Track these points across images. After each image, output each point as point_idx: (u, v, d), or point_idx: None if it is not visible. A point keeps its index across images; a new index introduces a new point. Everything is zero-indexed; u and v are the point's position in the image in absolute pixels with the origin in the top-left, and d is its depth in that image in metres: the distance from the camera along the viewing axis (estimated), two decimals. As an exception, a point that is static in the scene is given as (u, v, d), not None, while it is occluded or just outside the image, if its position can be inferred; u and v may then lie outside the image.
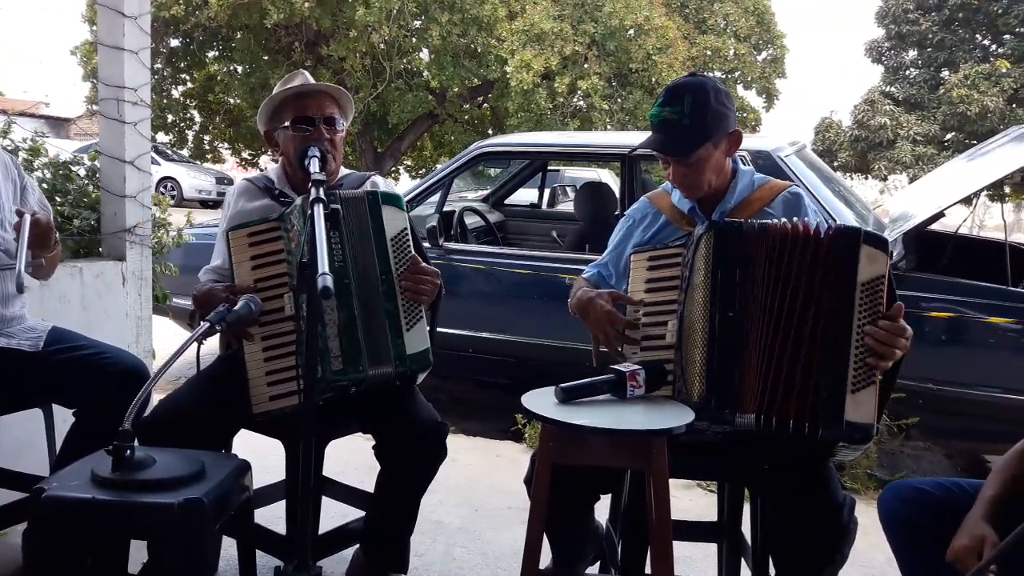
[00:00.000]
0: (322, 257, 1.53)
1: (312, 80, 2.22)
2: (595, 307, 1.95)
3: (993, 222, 20.28)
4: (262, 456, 2.24)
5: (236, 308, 1.82)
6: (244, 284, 1.99)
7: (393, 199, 2.06)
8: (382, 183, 2.28)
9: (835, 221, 3.48)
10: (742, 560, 2.20)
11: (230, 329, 1.85)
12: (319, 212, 1.63)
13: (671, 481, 1.71)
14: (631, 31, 15.15)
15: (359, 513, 2.32)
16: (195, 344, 1.73)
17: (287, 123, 2.16)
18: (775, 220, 1.88)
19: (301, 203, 1.91)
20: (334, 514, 2.39)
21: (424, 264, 2.06)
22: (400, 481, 2.13)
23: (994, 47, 22.40)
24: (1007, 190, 21.63)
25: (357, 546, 2.26)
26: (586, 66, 15.21)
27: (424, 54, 17.01)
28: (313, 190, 1.73)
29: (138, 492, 1.55)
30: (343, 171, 2.31)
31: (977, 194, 3.76)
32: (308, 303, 1.69)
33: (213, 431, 2.00)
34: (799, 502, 1.79)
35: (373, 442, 2.12)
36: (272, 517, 2.27)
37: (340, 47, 15.45)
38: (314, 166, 1.93)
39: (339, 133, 2.19)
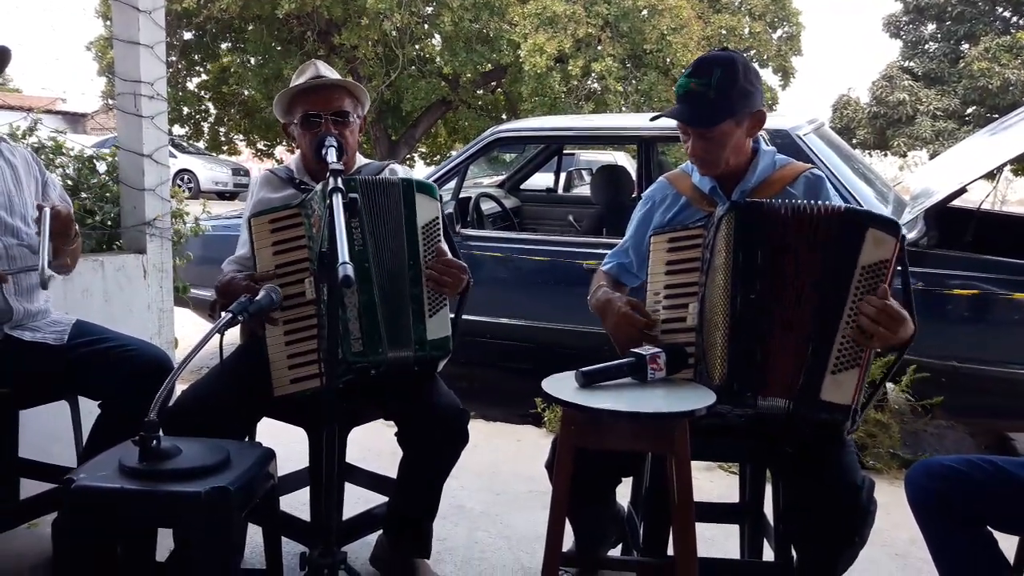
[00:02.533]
0: (342, 246, 1.54)
1: (326, 71, 2.23)
2: (613, 309, 1.95)
3: (1016, 196, 20.00)
4: (286, 444, 2.26)
5: (258, 298, 1.83)
6: (266, 270, 2.01)
7: (427, 188, 2.08)
8: (401, 171, 2.29)
9: (855, 200, 3.44)
10: (764, 541, 2.20)
11: (252, 319, 1.86)
12: (337, 202, 1.64)
13: (694, 462, 1.71)
14: (644, 11, 15.02)
15: (382, 499, 2.34)
16: (217, 334, 1.75)
17: (297, 119, 2.18)
18: (796, 200, 1.86)
19: (321, 189, 1.92)
20: (357, 500, 2.41)
21: (451, 257, 2.07)
22: (422, 466, 2.15)
23: (1015, 19, 22.01)
24: (1030, 164, 21.34)
25: (380, 531, 2.29)
26: (600, 48, 15.10)
27: (436, 40, 16.96)
28: (331, 179, 1.73)
29: (165, 481, 1.57)
30: (362, 160, 2.32)
31: (1000, 169, 3.70)
32: (328, 292, 1.70)
33: (237, 420, 2.03)
34: (818, 484, 1.79)
35: (395, 429, 2.13)
36: (297, 504, 2.29)
37: (352, 35, 15.44)
38: (331, 156, 1.94)
39: (351, 125, 2.19)
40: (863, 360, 1.71)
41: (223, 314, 1.77)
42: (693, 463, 1.71)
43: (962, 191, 3.40)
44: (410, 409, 2.10)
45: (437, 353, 2.06)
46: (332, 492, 1.71)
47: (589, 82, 15.69)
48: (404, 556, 2.22)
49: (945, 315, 3.36)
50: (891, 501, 2.12)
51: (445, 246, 2.11)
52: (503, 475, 3.16)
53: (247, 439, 2.11)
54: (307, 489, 2.23)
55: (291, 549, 2.13)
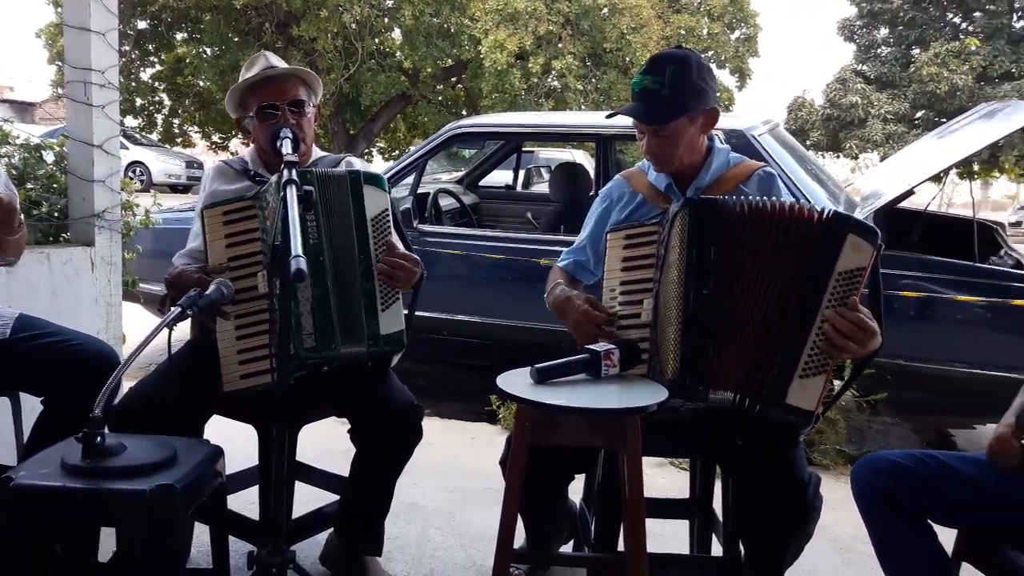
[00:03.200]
0: (295, 239, 1.52)
1: (274, 61, 2.20)
2: (573, 307, 1.95)
3: (961, 199, 20.51)
4: (236, 441, 2.23)
5: (208, 292, 1.80)
6: (218, 263, 1.97)
7: (375, 179, 2.06)
8: (358, 164, 2.27)
9: (807, 201, 3.50)
10: (713, 536, 2.23)
11: (202, 313, 1.83)
12: (291, 194, 1.62)
13: (646, 458, 1.72)
14: (605, 10, 15.10)
15: (334, 498, 2.32)
16: (166, 329, 1.71)
17: (252, 112, 2.15)
18: (754, 197, 1.88)
19: (276, 181, 1.89)
20: (308, 500, 2.39)
21: (403, 251, 2.05)
22: (375, 463, 2.13)
23: (964, 25, 22.61)
24: (975, 168, 21.92)
25: (331, 530, 2.27)
26: (560, 46, 15.15)
27: (396, 34, 16.84)
28: (285, 171, 1.71)
29: (108, 479, 1.53)
30: (318, 152, 2.30)
31: (946, 172, 3.80)
32: (281, 285, 1.68)
33: (185, 417, 1.99)
34: (765, 479, 1.82)
35: (348, 427, 2.11)
36: (246, 503, 2.26)
37: (311, 27, 15.26)
38: (286, 147, 1.91)
39: (307, 115, 2.17)
40: (829, 367, 1.72)
41: (172, 308, 1.73)
42: (645, 460, 1.72)
43: (910, 193, 3.48)
44: (363, 404, 2.08)
45: (391, 348, 2.05)
46: (281, 490, 1.69)
47: (549, 80, 15.72)
48: (355, 554, 2.20)
49: (891, 314, 3.41)
50: (837, 497, 2.16)
51: (397, 239, 2.09)
52: (457, 472, 3.16)
53: (196, 437, 2.08)
54: (257, 488, 2.20)
55: (239, 548, 2.10)
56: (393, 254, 2.02)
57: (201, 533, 1.99)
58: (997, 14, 21.54)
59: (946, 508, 1.68)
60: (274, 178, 1.95)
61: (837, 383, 2.29)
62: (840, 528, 2.60)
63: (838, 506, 2.17)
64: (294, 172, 1.69)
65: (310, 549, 2.33)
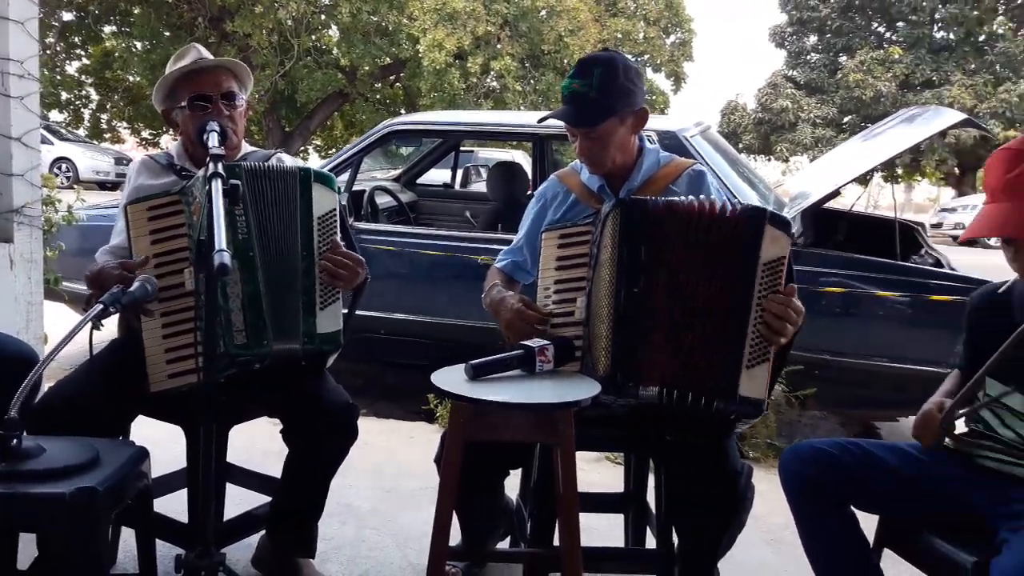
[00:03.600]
0: (219, 233, 1.49)
1: (206, 54, 2.15)
2: (506, 307, 1.96)
3: (887, 201, 21.26)
4: (165, 443, 2.17)
5: (131, 289, 1.74)
6: (142, 259, 1.92)
7: (326, 179, 2.04)
8: (289, 160, 2.24)
9: (738, 200, 3.58)
10: (647, 529, 2.26)
11: (125, 311, 1.78)
12: (217, 187, 1.58)
13: (581, 454, 1.73)
14: (543, 12, 15.20)
15: (266, 499, 2.27)
16: (89, 327, 1.65)
17: (184, 103, 2.09)
18: (681, 197, 1.91)
19: (202, 175, 1.84)
20: (240, 501, 2.34)
21: (347, 251, 2.03)
22: (308, 464, 2.10)
23: (888, 34, 23.45)
24: (899, 171, 22.78)
25: (263, 532, 2.23)
26: (499, 47, 15.19)
27: (333, 31, 16.65)
28: (211, 165, 1.67)
29: (25, 483, 1.47)
30: (248, 148, 2.26)
31: (870, 174, 3.93)
32: (206, 280, 1.64)
33: (108, 417, 1.93)
34: (698, 471, 1.85)
35: (280, 427, 2.08)
36: (177, 505, 2.20)
37: (245, 23, 14.98)
38: (213, 140, 1.87)
39: (239, 108, 2.13)
40: (771, 355, 1.77)
41: (95, 305, 1.68)
42: (581, 455, 1.73)
43: (835, 194, 3.59)
44: (296, 404, 2.05)
45: (327, 347, 2.03)
46: (209, 492, 1.64)
47: (488, 80, 15.75)
48: (288, 556, 2.16)
49: (818, 311, 3.54)
50: (767, 488, 2.22)
51: (340, 240, 2.07)
52: (393, 472, 3.13)
53: (120, 438, 2.02)
54: (186, 490, 2.14)
55: (168, 552, 2.04)
56: (337, 253, 2.00)
57: (128, 537, 1.94)
58: (919, 24, 22.41)
59: (869, 495, 1.74)
60: (200, 172, 1.90)
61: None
62: (771, 519, 2.67)
63: (769, 497, 2.22)
64: (220, 165, 1.65)
65: (242, 552, 2.28)
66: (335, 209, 2.03)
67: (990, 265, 1.68)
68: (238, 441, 2.27)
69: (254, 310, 1.91)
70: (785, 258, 1.76)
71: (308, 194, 1.98)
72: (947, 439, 1.66)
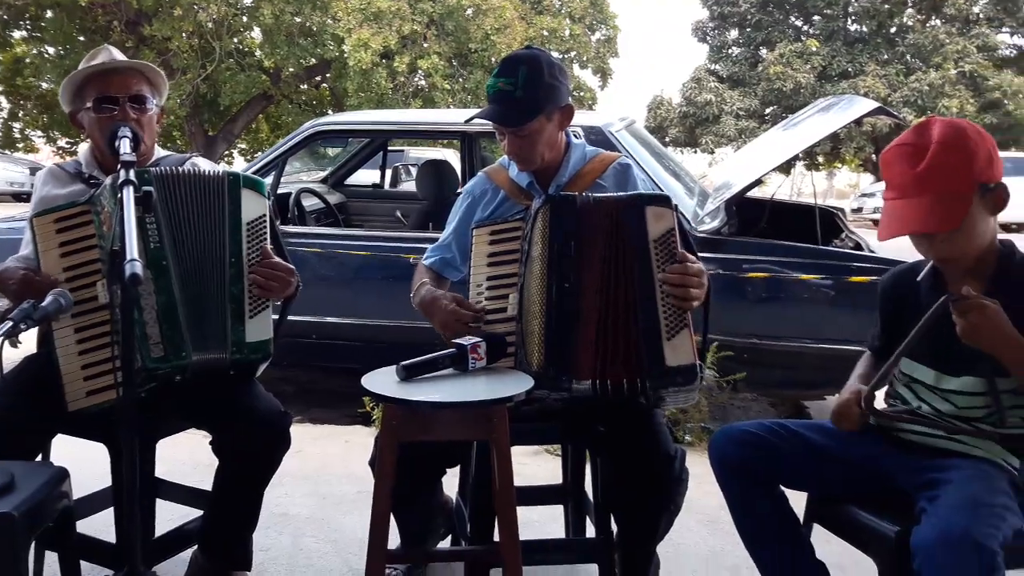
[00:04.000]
0: (130, 243, 1.43)
1: (119, 55, 2.08)
2: (439, 307, 1.95)
3: (810, 189, 21.94)
4: (90, 462, 2.09)
5: (44, 304, 1.67)
6: (51, 273, 1.84)
7: (255, 184, 2.00)
8: (204, 164, 2.17)
9: (663, 192, 3.63)
10: (587, 519, 2.28)
11: (37, 326, 1.70)
12: (128, 195, 1.53)
13: (520, 448, 1.74)
14: (469, 10, 15.17)
15: (199, 514, 2.21)
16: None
17: (90, 104, 2.02)
18: (606, 193, 1.94)
19: (111, 184, 1.78)
20: (172, 517, 2.28)
21: (278, 260, 1.99)
22: (240, 475, 2.05)
23: (805, 27, 24.13)
24: (820, 159, 23.49)
25: (196, 547, 2.17)
26: (426, 45, 15.13)
27: (256, 33, 16.32)
28: (122, 172, 1.61)
29: (-65, 511, 1.40)
30: (160, 152, 2.19)
31: (792, 163, 4.03)
32: (121, 292, 1.58)
33: (24, 438, 1.85)
34: (632, 458, 1.87)
35: (210, 438, 2.02)
36: (103, 525, 2.13)
37: (164, 27, 14.58)
38: (125, 146, 1.80)
39: (149, 112, 2.06)
40: (688, 320, 1.82)
41: (4, 322, 1.60)
42: (520, 449, 1.73)
43: (757, 183, 3.67)
44: (225, 414, 2.00)
45: (256, 356, 1.98)
46: (134, 510, 1.59)
47: (416, 79, 15.66)
48: (222, 570, 2.11)
49: (745, 296, 3.63)
50: (702, 472, 2.25)
51: (271, 247, 2.02)
52: (330, 478, 3.09)
53: (40, 458, 1.94)
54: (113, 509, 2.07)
55: (98, 574, 1.98)
56: (268, 263, 1.96)
57: (53, 561, 1.86)
58: (833, 18, 23.12)
59: (796, 474, 1.78)
60: (109, 180, 1.84)
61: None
62: (706, 501, 2.71)
63: (704, 480, 2.25)
64: (131, 172, 1.60)
65: (174, 568, 2.21)
66: (265, 215, 1.99)
67: (907, 247, 1.73)
68: (167, 454, 2.21)
69: (170, 321, 1.85)
70: (673, 229, 1.84)
71: (237, 199, 1.94)
72: (872, 419, 1.72)
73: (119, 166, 1.66)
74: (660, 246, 1.83)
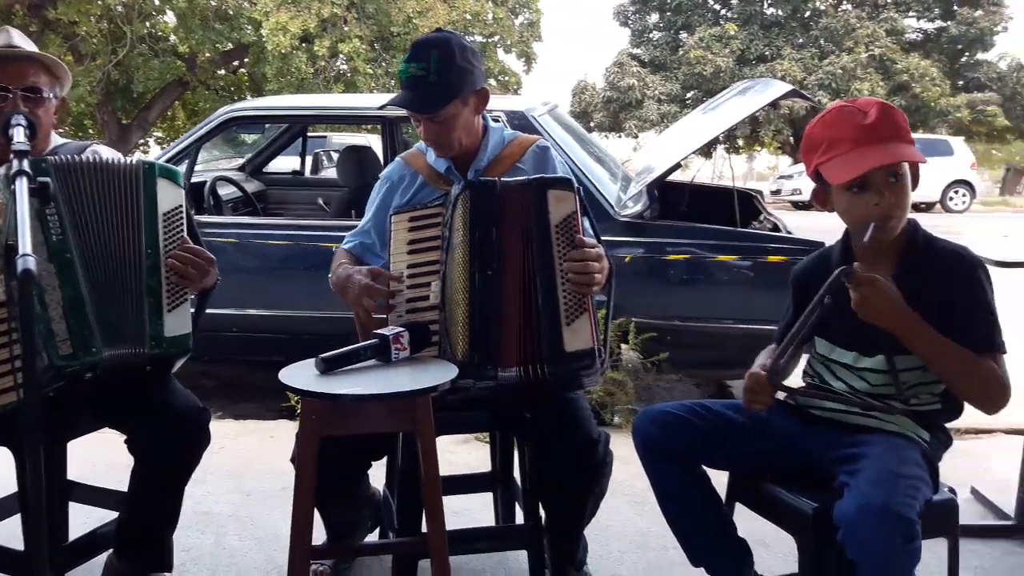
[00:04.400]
0: (23, 236, 1.35)
1: (18, 40, 1.96)
2: (353, 283, 1.90)
3: (732, 173, 22.38)
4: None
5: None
6: None
7: (170, 173, 1.93)
8: (105, 151, 2.08)
9: (588, 180, 3.66)
10: (516, 506, 2.28)
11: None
12: (21, 187, 1.44)
13: (448, 436, 1.72)
14: (390, -7, 14.95)
15: (115, 517, 2.13)
16: None
17: None
18: (525, 176, 1.93)
19: (3, 175, 1.68)
20: (88, 520, 2.19)
21: (197, 247, 1.93)
22: (158, 475, 1.97)
23: (723, 11, 24.57)
24: (740, 142, 24.04)
25: (111, 551, 2.09)
26: (346, 29, 14.84)
27: (169, 17, 15.75)
28: (15, 162, 1.52)
29: None
30: (57, 140, 2.08)
31: (713, 146, 4.10)
32: (19, 290, 1.50)
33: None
34: (556, 444, 1.88)
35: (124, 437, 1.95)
36: (10, 533, 2.03)
37: (70, 10, 13.91)
38: (18, 135, 1.69)
39: (45, 104, 1.95)
40: (587, 304, 1.81)
41: None
42: (449, 437, 1.72)
43: (677, 167, 3.73)
44: (140, 413, 1.92)
45: (175, 351, 1.92)
46: (40, 516, 1.52)
47: (338, 64, 15.38)
48: (140, 574, 2.04)
49: (667, 279, 3.69)
50: (629, 454, 2.27)
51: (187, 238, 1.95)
52: (254, 474, 3.02)
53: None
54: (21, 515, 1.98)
55: (4, 584, 1.89)
56: (185, 249, 1.89)
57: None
58: (751, 2, 23.62)
59: (717, 453, 1.81)
60: (1, 170, 1.74)
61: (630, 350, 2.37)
62: (634, 482, 2.74)
63: (631, 462, 2.27)
64: (25, 162, 1.51)
65: (89, 574, 2.13)
66: (181, 205, 1.92)
67: (825, 228, 1.78)
68: (80, 455, 2.12)
69: (76, 316, 1.77)
70: (575, 213, 1.82)
71: (152, 189, 1.87)
72: (782, 395, 1.75)
73: (12, 156, 1.57)
74: (561, 230, 1.81)
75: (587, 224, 1.92)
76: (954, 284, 1.62)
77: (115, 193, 1.85)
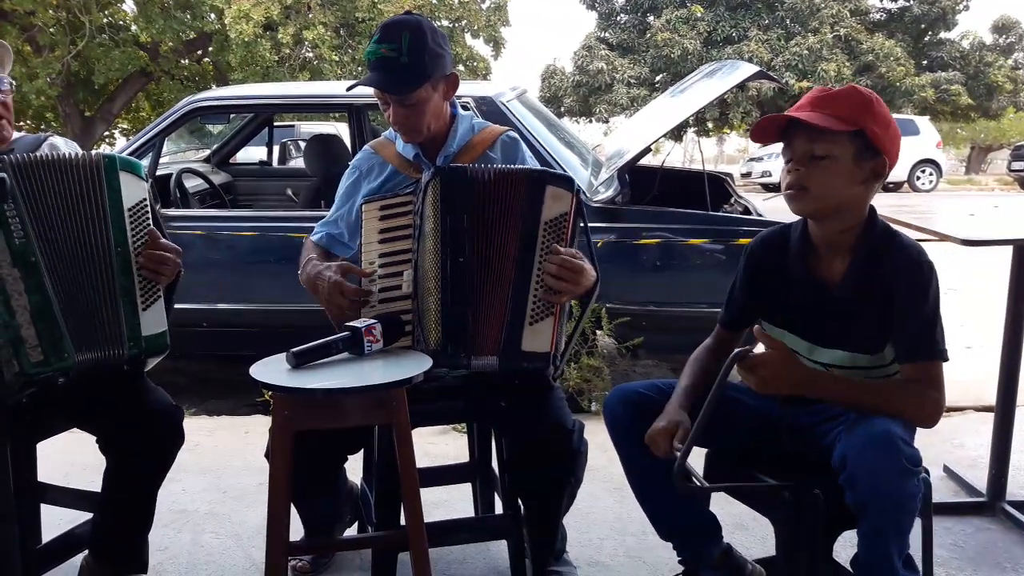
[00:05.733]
0: None
1: None
2: (323, 280, 1.87)
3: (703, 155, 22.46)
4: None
5: None
6: None
7: (132, 166, 1.88)
8: (63, 144, 2.03)
9: (558, 164, 3.64)
10: (495, 496, 2.28)
11: None
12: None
13: (426, 428, 1.70)
14: (354, -21, 14.76)
15: (89, 518, 2.10)
16: None
17: None
18: (495, 165, 1.91)
19: None
20: (61, 522, 2.15)
21: (166, 241, 1.89)
22: (131, 475, 1.95)
23: (689, -7, 24.44)
24: (709, 125, 24.15)
25: (86, 552, 2.06)
26: (310, 16, 14.64)
27: (129, 6, 15.43)
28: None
29: None
30: (15, 134, 2.02)
31: (683, 129, 4.10)
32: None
33: None
34: (532, 432, 1.87)
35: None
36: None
37: (25, 0, 13.54)
38: None
39: (3, 91, 1.90)
40: (556, 310, 1.80)
41: None
42: (427, 429, 1.71)
43: (647, 151, 3.72)
44: (111, 413, 1.89)
45: (154, 350, 1.89)
46: (10, 519, 1.49)
47: (303, 51, 15.17)
48: (116, 574, 2.01)
49: (640, 264, 3.69)
50: (607, 440, 2.29)
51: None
52: (230, 471, 2.99)
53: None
54: None
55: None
56: (156, 245, 1.85)
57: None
58: (716, -18, 23.62)
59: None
60: None
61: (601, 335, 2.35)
62: (612, 468, 2.73)
63: (609, 448, 2.28)
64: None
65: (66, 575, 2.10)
66: (146, 199, 1.88)
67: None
68: (53, 456, 2.08)
69: (45, 322, 1.73)
70: (567, 214, 1.80)
71: (116, 184, 1.82)
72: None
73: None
74: (549, 229, 1.80)
75: (581, 227, 1.88)
76: (902, 286, 1.60)
77: (78, 190, 1.80)
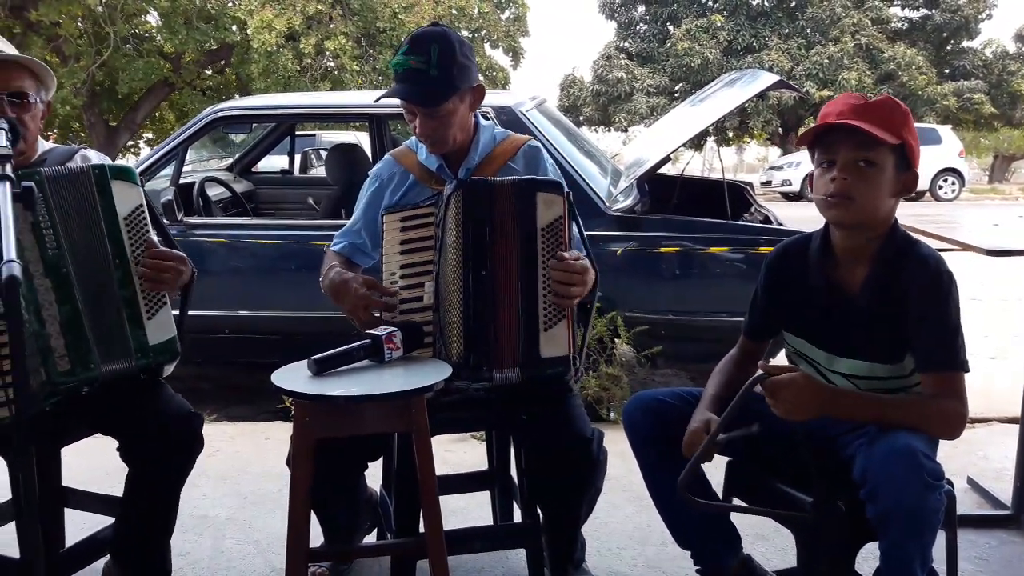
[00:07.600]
0: (7, 242, 1.33)
1: (5, 46, 1.94)
2: (349, 291, 1.88)
3: (723, 164, 22.38)
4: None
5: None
6: None
7: (124, 172, 1.88)
8: (95, 157, 2.05)
9: (578, 174, 3.65)
10: (514, 504, 2.28)
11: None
12: (4, 191, 1.42)
13: (445, 436, 1.71)
14: (375, -12, 14.88)
15: (111, 522, 2.12)
16: None
17: None
18: (518, 174, 1.92)
19: None
20: (84, 526, 2.17)
21: (164, 249, 1.89)
22: (152, 481, 1.96)
23: (709, 2, 24.51)
24: (729, 134, 24.07)
25: (108, 557, 2.08)
26: (332, 26, 14.76)
27: (152, 17, 15.62)
28: (-2, 167, 1.50)
29: None
30: (46, 145, 2.05)
31: (703, 138, 4.10)
32: (3, 296, 1.47)
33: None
34: (551, 441, 1.87)
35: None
36: (8, 540, 2.01)
37: (51, 11, 13.76)
38: (1, 140, 1.68)
39: (32, 109, 1.92)
40: (568, 313, 1.81)
41: None
42: (446, 436, 1.71)
43: (667, 159, 3.72)
44: (131, 420, 1.91)
45: (163, 358, 1.90)
46: (34, 523, 1.50)
47: (324, 61, 15.30)
48: (137, 579, 2.03)
49: (659, 273, 3.68)
50: (627, 449, 2.28)
51: (155, 237, 1.93)
52: (250, 477, 3.01)
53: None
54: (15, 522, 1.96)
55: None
56: (156, 254, 1.86)
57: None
58: (737, -8, 23.60)
59: None
60: None
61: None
62: (631, 478, 2.73)
63: (628, 457, 2.28)
64: (8, 167, 1.48)
65: (88, 580, 2.12)
66: (142, 205, 1.88)
67: (815, 218, 1.75)
68: (76, 461, 2.10)
69: (75, 332, 1.75)
70: (562, 218, 1.81)
71: (108, 193, 1.82)
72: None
73: (-6, 161, 1.54)
74: (547, 234, 1.81)
75: (575, 230, 1.90)
76: (919, 295, 1.59)
77: (83, 202, 1.81)
